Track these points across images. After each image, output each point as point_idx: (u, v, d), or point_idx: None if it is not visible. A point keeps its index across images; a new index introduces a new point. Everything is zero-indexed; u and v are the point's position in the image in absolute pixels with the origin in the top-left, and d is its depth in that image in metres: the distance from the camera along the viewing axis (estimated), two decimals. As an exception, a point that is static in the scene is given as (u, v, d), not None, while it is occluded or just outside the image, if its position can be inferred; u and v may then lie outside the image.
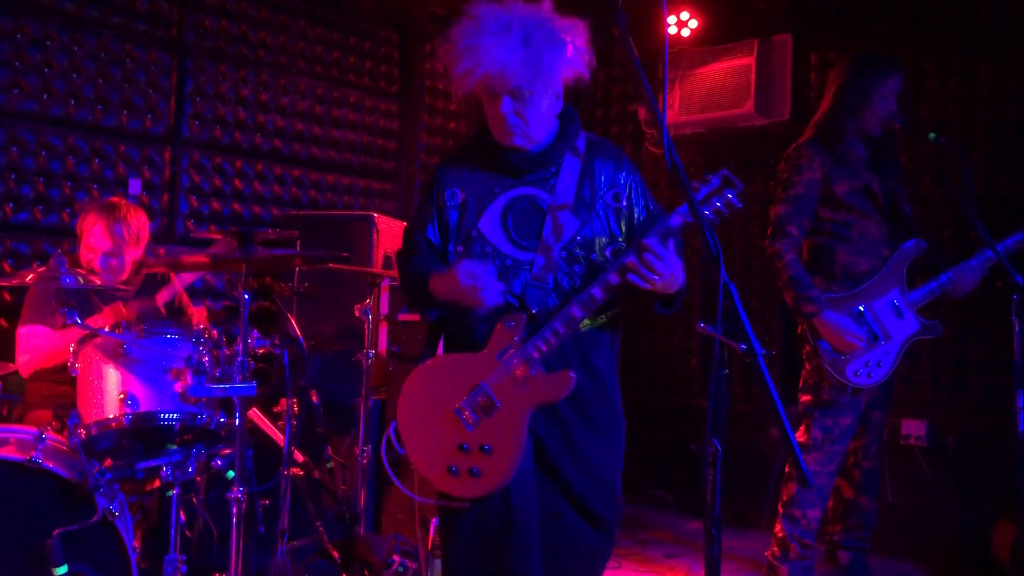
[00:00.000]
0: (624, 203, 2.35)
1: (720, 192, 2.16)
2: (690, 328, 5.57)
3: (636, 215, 2.37)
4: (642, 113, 5.69)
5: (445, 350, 2.44)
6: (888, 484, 4.21)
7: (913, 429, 4.44)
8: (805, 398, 3.54)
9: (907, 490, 4.40)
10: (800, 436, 3.51)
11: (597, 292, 2.17)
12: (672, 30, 5.37)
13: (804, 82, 5.08)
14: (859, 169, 3.50)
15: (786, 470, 3.64)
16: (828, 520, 3.73)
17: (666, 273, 2.13)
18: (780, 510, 3.56)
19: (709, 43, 5.31)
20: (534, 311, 2.25)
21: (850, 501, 3.69)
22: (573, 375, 2.18)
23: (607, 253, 2.31)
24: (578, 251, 2.30)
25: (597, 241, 2.31)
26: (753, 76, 5.04)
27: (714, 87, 5.20)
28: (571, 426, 2.29)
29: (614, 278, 2.16)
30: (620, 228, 2.35)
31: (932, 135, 3.43)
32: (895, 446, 4.41)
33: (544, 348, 2.20)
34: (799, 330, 3.56)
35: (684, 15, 5.32)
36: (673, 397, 5.65)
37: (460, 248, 2.32)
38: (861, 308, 3.43)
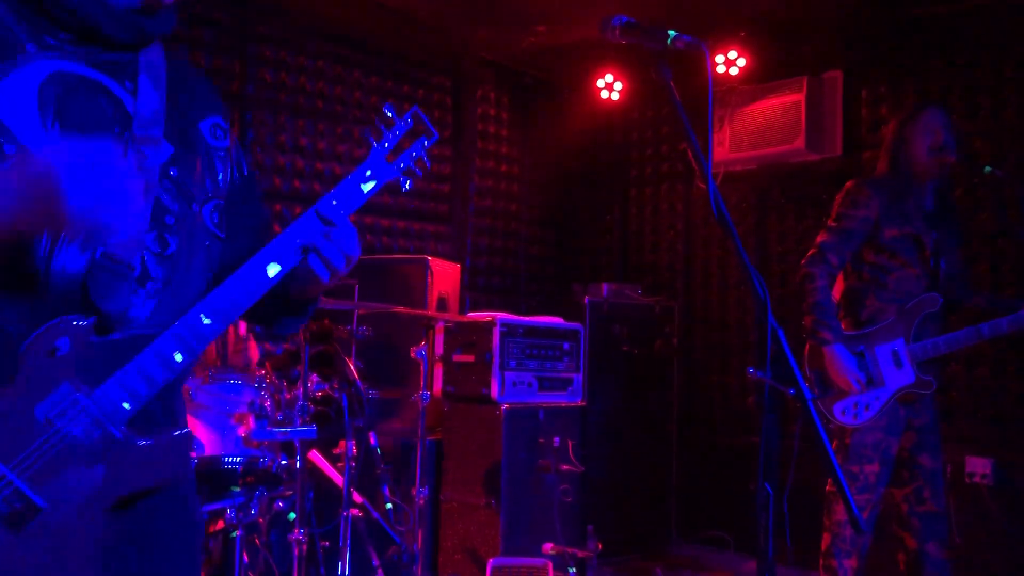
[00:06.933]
0: (229, 146, 1.50)
1: (409, 143, 1.49)
2: (746, 365, 5.54)
3: (238, 172, 1.53)
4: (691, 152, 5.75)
5: None
6: (953, 525, 4.10)
7: (979, 467, 4.33)
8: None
9: (973, 530, 4.28)
10: (828, 485, 3.48)
11: (267, 278, 1.34)
12: (720, 69, 5.40)
13: (855, 118, 5.07)
14: (913, 218, 3.47)
15: (825, 520, 3.53)
16: (903, 575, 3.64)
17: (352, 255, 1.45)
18: (820, 561, 3.50)
19: (758, 81, 5.33)
20: (108, 311, 1.24)
21: (916, 551, 3.59)
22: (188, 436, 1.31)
23: (207, 213, 1.41)
24: (174, 201, 1.35)
25: (193, 187, 1.39)
26: (803, 112, 5.05)
27: (765, 124, 5.22)
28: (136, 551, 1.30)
29: (294, 259, 1.37)
30: (217, 180, 1.46)
31: (987, 168, 3.40)
32: (959, 485, 4.31)
33: (143, 392, 1.24)
34: (805, 352, 3.51)
35: (732, 54, 5.35)
36: (731, 436, 5.59)
37: None
38: (862, 349, 3.40)
